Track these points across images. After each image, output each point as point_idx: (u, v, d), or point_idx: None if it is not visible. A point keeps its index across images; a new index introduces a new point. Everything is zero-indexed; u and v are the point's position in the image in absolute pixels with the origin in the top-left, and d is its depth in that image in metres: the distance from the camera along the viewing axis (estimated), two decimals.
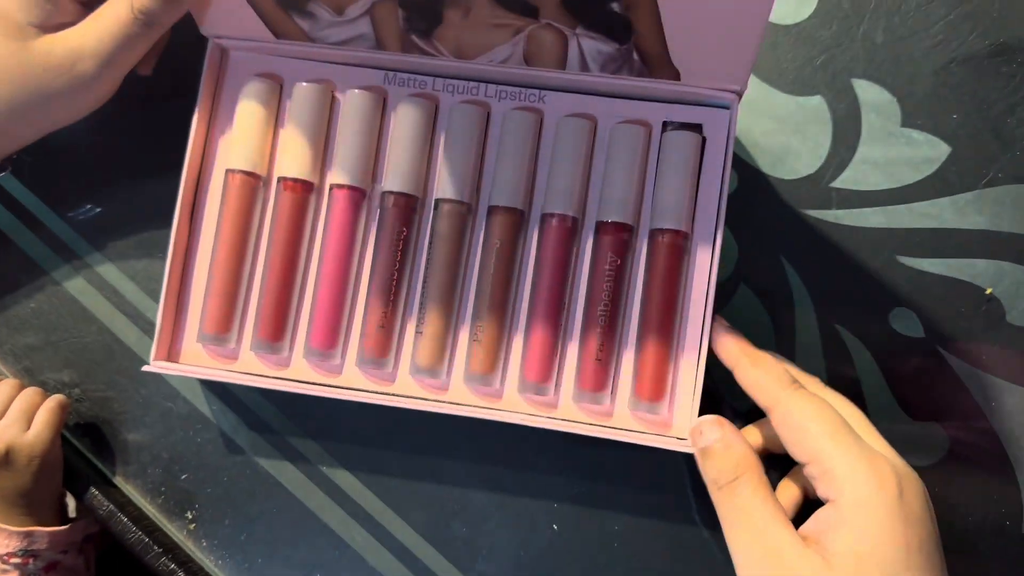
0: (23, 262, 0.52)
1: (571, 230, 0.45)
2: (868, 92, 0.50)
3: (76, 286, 0.52)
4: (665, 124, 0.46)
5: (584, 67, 0.44)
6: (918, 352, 0.48)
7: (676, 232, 0.44)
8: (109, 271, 0.52)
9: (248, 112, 0.47)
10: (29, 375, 0.51)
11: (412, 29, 0.44)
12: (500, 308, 0.45)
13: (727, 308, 0.49)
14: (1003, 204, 0.49)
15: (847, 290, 0.49)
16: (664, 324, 0.44)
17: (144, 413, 0.51)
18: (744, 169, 0.50)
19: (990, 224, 0.49)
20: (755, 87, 0.50)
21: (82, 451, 0.51)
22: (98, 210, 0.52)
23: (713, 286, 0.44)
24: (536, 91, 0.47)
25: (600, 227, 0.45)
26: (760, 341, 0.44)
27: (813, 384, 0.44)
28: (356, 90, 0.46)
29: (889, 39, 0.50)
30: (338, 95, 0.48)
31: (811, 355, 0.48)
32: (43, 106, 0.45)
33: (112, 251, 0.52)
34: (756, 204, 0.49)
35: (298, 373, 0.47)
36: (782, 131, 0.50)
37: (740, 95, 0.44)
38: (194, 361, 0.47)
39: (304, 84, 0.47)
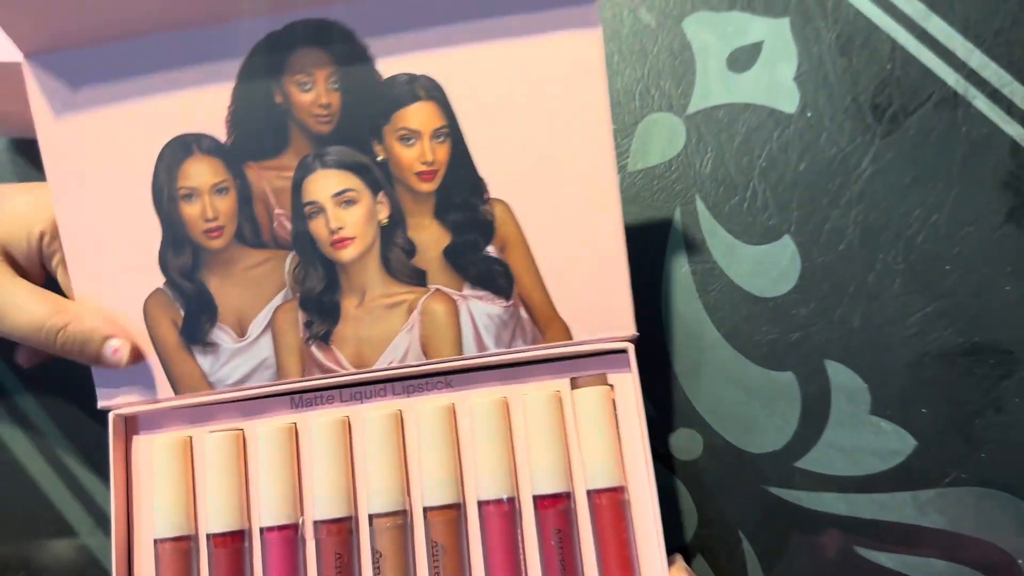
0: None
1: (510, 512, 0.45)
2: (840, 375, 0.50)
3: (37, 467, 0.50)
4: (573, 381, 0.46)
5: (479, 340, 0.45)
6: None
7: (613, 489, 0.44)
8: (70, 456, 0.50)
9: (163, 475, 0.46)
10: None
11: (312, 336, 0.45)
12: None
13: None
14: (965, 506, 0.49)
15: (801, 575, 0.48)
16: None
17: None
18: (712, 437, 0.50)
19: (950, 525, 0.49)
20: (726, 353, 0.51)
21: None
22: None
23: (660, 527, 0.43)
24: (442, 377, 0.47)
25: (538, 501, 0.45)
26: None
27: None
28: (263, 428, 0.46)
29: (866, 325, 0.51)
30: (247, 435, 0.47)
31: None
32: None
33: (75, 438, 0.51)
34: (720, 474, 0.49)
35: None
36: (750, 403, 0.50)
37: (634, 341, 0.45)
38: None
39: (214, 434, 0.46)
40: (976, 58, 0.53)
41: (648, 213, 0.53)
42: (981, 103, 0.53)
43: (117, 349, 0.45)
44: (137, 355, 0.45)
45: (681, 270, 0.52)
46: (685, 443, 0.50)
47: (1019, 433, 0.49)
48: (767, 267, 0.52)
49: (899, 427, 0.50)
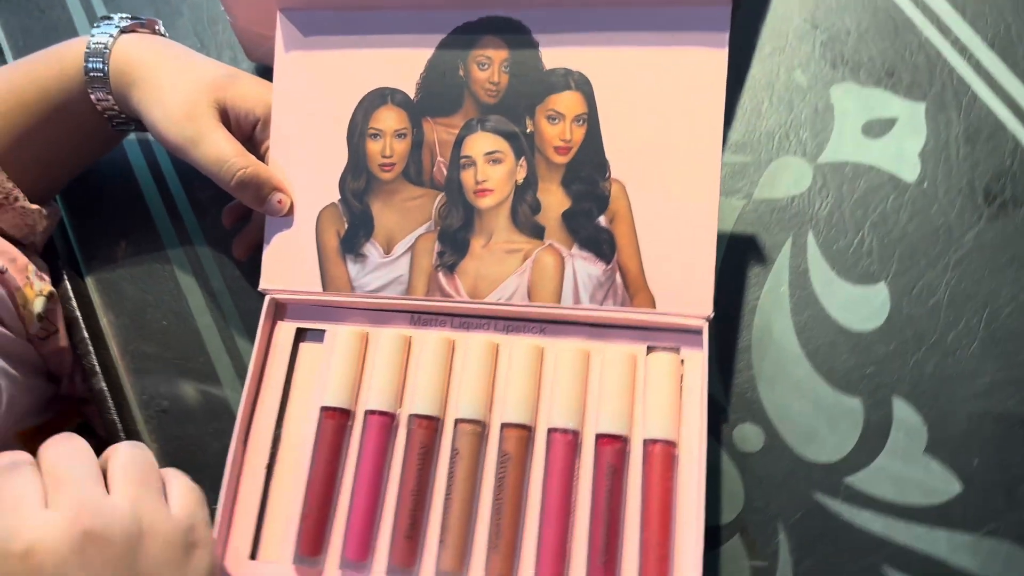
0: (174, 288, 0.63)
1: (573, 442, 0.52)
2: (903, 412, 0.55)
3: (204, 321, 0.62)
4: (649, 348, 0.53)
5: (576, 294, 0.53)
6: None
7: (666, 442, 0.50)
8: (235, 322, 0.62)
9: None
10: (136, 375, 0.61)
11: (442, 264, 0.55)
12: (514, 517, 0.51)
13: (715, 553, 0.53)
14: (996, 557, 0.51)
15: (827, 575, 0.52)
16: (662, 525, 0.49)
17: (208, 442, 0.59)
18: (774, 437, 0.55)
19: (978, 570, 0.51)
20: (804, 370, 0.56)
21: None
22: None
23: (703, 489, 0.49)
24: (538, 324, 0.55)
25: (599, 439, 0.52)
26: None
27: None
28: (389, 330, 0.56)
29: (937, 374, 0.55)
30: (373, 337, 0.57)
31: None
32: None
33: (243, 310, 0.62)
34: (774, 470, 0.54)
35: None
36: (817, 416, 0.55)
37: (709, 321, 0.52)
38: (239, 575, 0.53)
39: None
40: None
41: (763, 236, 0.60)
42: None
43: (282, 200, 0.56)
44: (290, 212, 0.57)
45: (780, 289, 0.58)
46: (749, 436, 0.55)
47: None
48: (859, 305, 0.57)
49: (948, 470, 0.53)
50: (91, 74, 0.58)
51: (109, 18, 0.60)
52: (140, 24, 0.61)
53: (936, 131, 0.61)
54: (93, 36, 0.58)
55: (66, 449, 0.42)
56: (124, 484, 0.41)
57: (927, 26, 0.64)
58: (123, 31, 0.59)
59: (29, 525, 0.38)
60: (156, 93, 0.57)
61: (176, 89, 0.56)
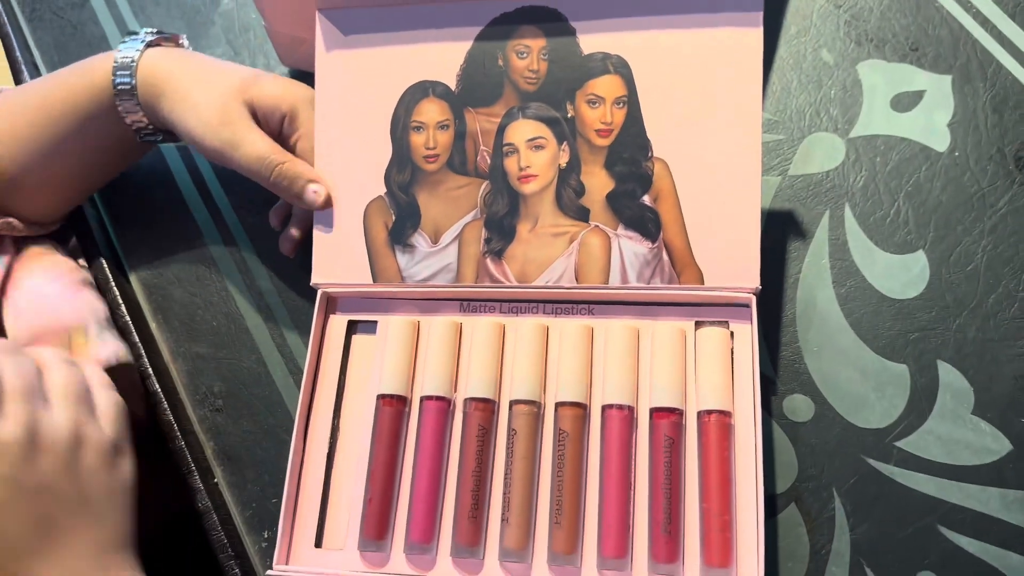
0: (222, 290, 0.64)
1: (628, 417, 0.53)
2: (950, 375, 0.56)
3: (253, 321, 0.63)
4: (697, 323, 0.55)
5: (624, 274, 0.54)
6: None
7: (721, 412, 0.51)
8: (284, 319, 0.63)
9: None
10: (188, 376, 0.62)
11: (490, 250, 0.56)
12: (575, 493, 0.52)
13: (772, 522, 0.54)
14: None
15: (884, 538, 0.53)
16: (722, 494, 0.50)
17: (263, 438, 0.60)
18: (824, 406, 0.56)
19: None
20: (849, 339, 0.57)
21: (205, 450, 0.61)
22: None
23: (760, 457, 0.50)
24: (586, 305, 0.57)
25: (654, 413, 0.53)
26: (794, 560, 0.51)
27: None
28: (440, 318, 0.58)
29: (980, 337, 0.56)
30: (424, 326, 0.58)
31: None
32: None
33: (291, 307, 0.63)
34: (825, 437, 0.55)
35: (397, 568, 0.53)
36: (864, 383, 0.56)
37: (756, 294, 0.53)
38: (306, 563, 0.54)
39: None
40: None
41: (800, 211, 0.61)
42: None
43: (317, 191, 0.58)
44: (328, 203, 0.58)
45: (821, 261, 0.59)
46: (799, 406, 0.56)
47: None
48: (899, 273, 0.58)
49: (997, 430, 0.54)
50: (119, 87, 0.59)
51: (135, 33, 0.62)
52: (165, 38, 0.63)
53: (963, 102, 0.62)
54: (120, 51, 0.60)
55: (14, 363, 0.49)
56: (64, 402, 0.49)
57: (948, 0, 0.65)
58: (149, 45, 0.61)
59: None
60: (188, 102, 0.58)
61: (207, 96, 0.58)
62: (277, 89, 0.59)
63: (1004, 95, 0.62)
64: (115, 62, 0.60)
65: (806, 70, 0.65)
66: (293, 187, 0.58)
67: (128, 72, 0.59)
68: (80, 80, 0.61)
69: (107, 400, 0.53)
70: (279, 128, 0.60)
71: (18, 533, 0.46)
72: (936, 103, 0.62)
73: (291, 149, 0.60)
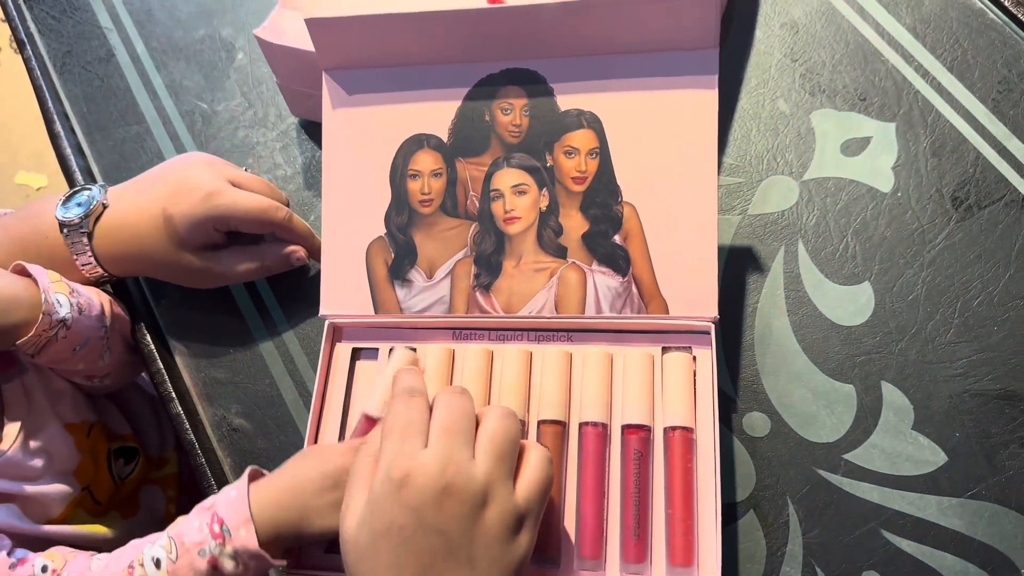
0: (238, 320, 0.71)
1: (602, 434, 0.59)
2: (892, 395, 0.62)
3: (267, 348, 0.70)
4: (664, 348, 0.61)
5: (598, 305, 0.61)
6: None
7: (684, 428, 0.58)
8: (295, 347, 0.70)
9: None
10: (207, 400, 0.69)
11: (479, 284, 0.62)
12: (556, 500, 0.58)
13: (733, 527, 0.60)
14: (980, 517, 0.58)
15: (833, 541, 0.59)
16: (685, 502, 0.56)
17: (276, 455, 0.67)
18: (779, 423, 0.62)
19: (965, 529, 0.58)
20: (802, 362, 0.63)
21: (223, 466, 0.67)
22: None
23: (718, 467, 0.56)
24: (565, 333, 0.63)
25: (625, 429, 0.59)
26: (752, 562, 0.57)
27: None
28: (434, 345, 0.64)
29: (920, 360, 0.62)
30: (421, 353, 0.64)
31: None
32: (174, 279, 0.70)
33: (301, 336, 0.70)
34: (781, 451, 0.61)
35: None
36: (815, 402, 0.62)
37: (715, 322, 0.59)
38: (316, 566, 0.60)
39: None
40: None
41: (758, 247, 0.67)
42: None
43: (299, 256, 0.70)
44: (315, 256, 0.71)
45: (777, 292, 0.66)
46: (757, 423, 0.63)
47: None
48: (847, 302, 0.65)
49: (934, 443, 0.60)
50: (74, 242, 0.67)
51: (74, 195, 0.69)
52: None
53: (906, 147, 0.69)
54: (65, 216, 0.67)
55: (457, 403, 0.51)
56: (486, 455, 0.49)
57: (893, 55, 0.72)
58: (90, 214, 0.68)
59: (409, 458, 0.48)
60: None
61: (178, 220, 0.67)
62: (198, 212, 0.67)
63: (943, 141, 0.68)
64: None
65: (764, 119, 0.72)
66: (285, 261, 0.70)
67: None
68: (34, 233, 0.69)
69: (533, 469, 0.51)
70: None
71: (406, 565, 0.46)
72: (882, 148, 0.69)
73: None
